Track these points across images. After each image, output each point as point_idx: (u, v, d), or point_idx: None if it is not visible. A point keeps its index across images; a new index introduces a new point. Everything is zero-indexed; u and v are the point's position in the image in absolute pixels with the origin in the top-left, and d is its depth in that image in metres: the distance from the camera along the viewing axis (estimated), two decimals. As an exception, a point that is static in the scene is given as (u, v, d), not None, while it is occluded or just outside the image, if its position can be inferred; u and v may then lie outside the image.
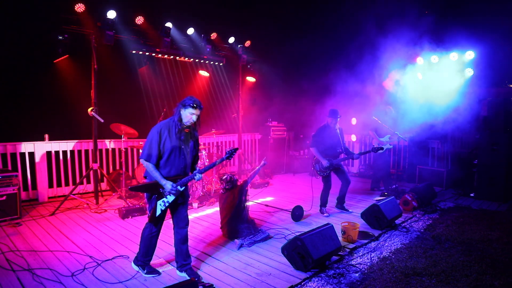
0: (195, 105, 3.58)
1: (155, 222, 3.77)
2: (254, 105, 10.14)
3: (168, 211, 3.84)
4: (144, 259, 3.86)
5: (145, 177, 3.78)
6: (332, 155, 6.02)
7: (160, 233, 4.98)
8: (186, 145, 3.71)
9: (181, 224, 3.83)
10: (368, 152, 6.46)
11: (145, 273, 3.85)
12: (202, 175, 3.81)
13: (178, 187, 3.65)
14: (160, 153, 3.62)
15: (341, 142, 6.08)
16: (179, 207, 3.82)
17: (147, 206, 3.84)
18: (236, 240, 4.77)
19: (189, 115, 3.60)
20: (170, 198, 3.67)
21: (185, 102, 3.60)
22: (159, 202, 3.67)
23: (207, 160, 7.17)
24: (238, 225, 4.95)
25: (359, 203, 6.89)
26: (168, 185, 3.60)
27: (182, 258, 3.85)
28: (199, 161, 6.86)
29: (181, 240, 3.84)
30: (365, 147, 9.90)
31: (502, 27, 7.92)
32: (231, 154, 3.82)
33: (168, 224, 5.34)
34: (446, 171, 8.09)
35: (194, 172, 3.73)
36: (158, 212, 3.67)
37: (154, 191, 3.67)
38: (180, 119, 3.63)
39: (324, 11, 10.20)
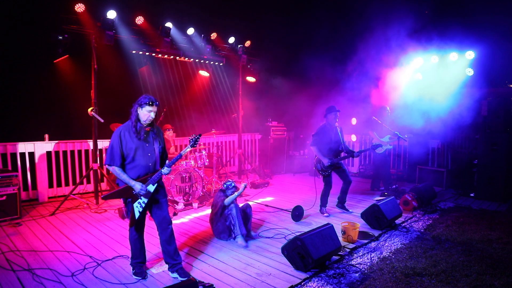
0: (151, 102, 3.55)
1: (136, 226, 3.74)
2: (255, 105, 10.15)
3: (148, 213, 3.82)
4: (134, 261, 3.85)
5: (117, 184, 3.76)
6: (333, 154, 6.02)
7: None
8: (150, 143, 3.70)
9: (164, 225, 3.77)
10: (367, 150, 6.52)
11: (133, 273, 3.85)
12: (171, 168, 3.78)
13: (150, 185, 3.62)
14: (123, 155, 3.61)
15: (341, 141, 6.08)
16: (156, 208, 3.77)
17: (124, 210, 3.82)
18: (238, 240, 4.77)
19: (146, 113, 3.58)
20: (145, 198, 3.65)
21: (141, 102, 3.57)
22: (135, 204, 3.64)
23: (207, 160, 7.17)
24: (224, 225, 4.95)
25: (359, 203, 6.89)
26: (137, 185, 3.57)
27: (170, 258, 3.80)
28: (199, 161, 6.90)
29: (166, 240, 3.78)
30: (365, 147, 9.90)
31: (502, 27, 7.92)
32: (195, 141, 3.80)
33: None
34: (446, 171, 8.09)
35: (163, 167, 3.71)
36: (137, 214, 3.65)
37: (127, 195, 3.65)
38: (138, 119, 3.61)
39: (324, 11, 10.19)
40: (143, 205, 3.65)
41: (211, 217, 5.09)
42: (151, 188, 3.65)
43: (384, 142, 7.42)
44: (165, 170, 3.68)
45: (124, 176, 3.60)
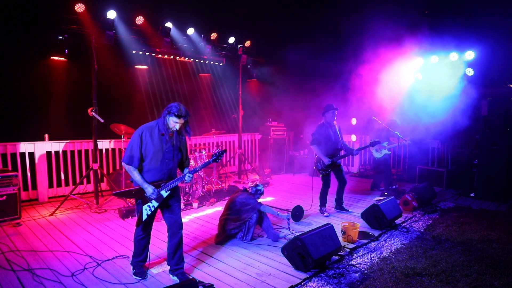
0: (179, 114, 3.49)
1: (143, 226, 3.73)
2: (255, 105, 10.15)
3: (160, 213, 3.80)
4: (136, 260, 3.84)
5: (131, 181, 3.72)
6: (332, 153, 6.04)
7: (160, 232, 5.01)
8: (170, 150, 3.64)
9: (174, 229, 3.74)
10: (367, 147, 6.58)
11: (133, 274, 3.85)
12: (193, 175, 3.75)
13: (163, 191, 3.60)
14: (142, 156, 3.58)
15: (340, 139, 6.09)
16: (169, 211, 3.74)
17: (135, 208, 3.81)
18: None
19: (172, 123, 3.54)
20: (156, 202, 3.62)
21: (170, 109, 3.52)
22: (145, 206, 3.63)
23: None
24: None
25: (359, 203, 6.89)
26: (149, 189, 3.55)
27: (174, 262, 3.79)
28: (199, 161, 6.89)
29: (175, 244, 3.75)
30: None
31: (502, 27, 7.92)
32: (218, 156, 3.76)
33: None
34: (446, 171, 8.09)
35: (184, 173, 3.67)
36: (144, 216, 3.63)
37: (139, 196, 3.63)
38: (165, 124, 3.57)
39: (325, 11, 10.20)
40: (153, 208, 3.63)
41: (226, 216, 4.91)
42: (164, 194, 3.63)
43: (384, 146, 7.41)
44: (187, 178, 3.66)
45: (138, 178, 3.57)
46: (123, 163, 3.62)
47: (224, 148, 3.93)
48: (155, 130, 3.59)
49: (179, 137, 3.72)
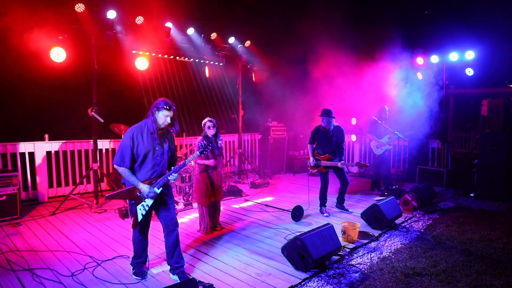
0: (168, 107, 3.58)
1: (140, 228, 3.73)
2: (255, 105, 10.14)
3: (154, 214, 3.81)
4: (135, 261, 3.85)
5: (123, 184, 3.73)
6: (324, 154, 6.18)
7: (160, 232, 5.00)
8: (161, 147, 3.68)
9: (170, 227, 3.75)
10: (352, 165, 6.41)
11: (133, 273, 3.85)
12: (177, 175, 3.76)
13: (155, 188, 3.61)
14: (134, 157, 3.60)
15: (333, 143, 6.12)
16: (164, 209, 3.75)
17: (128, 209, 3.80)
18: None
19: (163, 117, 3.59)
20: (149, 201, 3.62)
21: (158, 105, 3.58)
22: (139, 207, 3.63)
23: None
24: None
25: (359, 203, 6.89)
26: (145, 188, 3.57)
27: (174, 260, 3.79)
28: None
29: (172, 243, 3.76)
30: (365, 147, 9.96)
31: (502, 28, 7.92)
32: (204, 148, 3.82)
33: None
34: (446, 171, 8.09)
35: (170, 172, 3.68)
36: (140, 217, 3.63)
37: (131, 196, 3.64)
38: (155, 122, 3.61)
39: (325, 11, 10.19)
40: (147, 208, 3.64)
41: None
42: (157, 190, 3.64)
43: (382, 142, 7.41)
44: (171, 177, 3.66)
45: (132, 178, 3.59)
46: (115, 165, 3.64)
47: (208, 146, 3.94)
48: (144, 130, 3.63)
49: (168, 134, 3.78)
